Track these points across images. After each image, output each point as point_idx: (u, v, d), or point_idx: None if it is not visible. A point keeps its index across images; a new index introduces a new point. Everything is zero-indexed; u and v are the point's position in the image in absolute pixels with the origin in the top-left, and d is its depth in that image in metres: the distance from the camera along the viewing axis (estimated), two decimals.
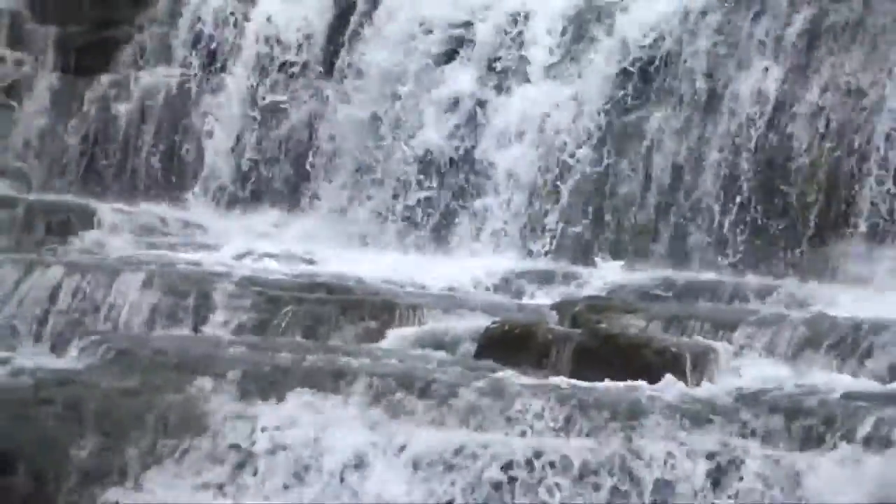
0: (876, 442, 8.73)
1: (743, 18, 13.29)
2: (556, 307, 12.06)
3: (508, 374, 10.40)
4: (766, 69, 12.72)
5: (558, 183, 14.60)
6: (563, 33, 15.14)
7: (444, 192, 15.71)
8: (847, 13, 11.42)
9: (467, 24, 16.00)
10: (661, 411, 9.44)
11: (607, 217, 14.22)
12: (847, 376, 10.33)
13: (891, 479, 8.51)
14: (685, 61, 13.75)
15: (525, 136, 15.03)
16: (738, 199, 13.29)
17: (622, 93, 14.39)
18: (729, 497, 8.87)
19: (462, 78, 15.82)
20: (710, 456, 9.02)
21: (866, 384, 10.10)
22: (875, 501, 8.44)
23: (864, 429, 8.88)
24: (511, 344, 11.25)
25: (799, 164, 12.94)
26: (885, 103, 10.81)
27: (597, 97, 14.58)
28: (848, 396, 9.58)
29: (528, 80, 15.34)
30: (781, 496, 8.80)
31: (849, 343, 10.63)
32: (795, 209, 13.01)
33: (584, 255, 14.19)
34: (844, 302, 11.86)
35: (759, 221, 13.24)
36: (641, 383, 10.02)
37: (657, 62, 14.24)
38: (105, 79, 18.06)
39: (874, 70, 10.71)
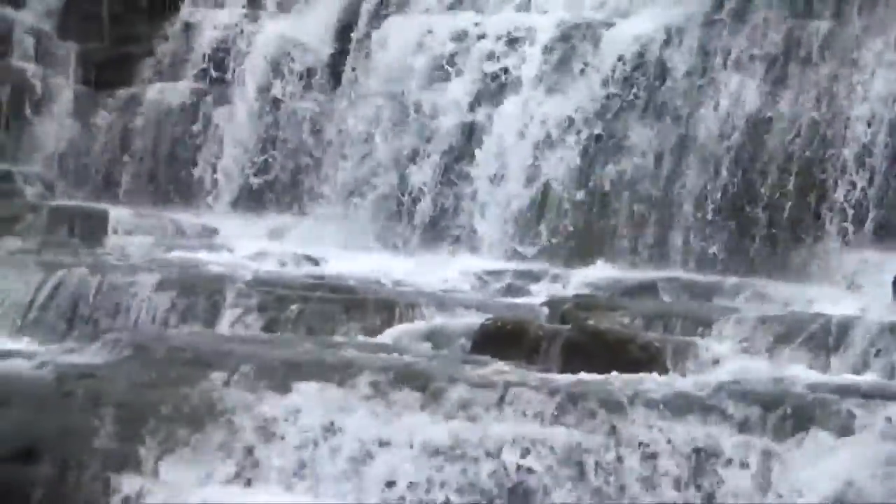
0: (846, 431, 8.77)
1: (719, 35, 13.30)
2: (547, 305, 12.06)
3: (502, 368, 10.42)
4: (742, 82, 12.74)
5: (548, 189, 14.61)
6: (553, 49, 15.15)
7: (442, 198, 15.73)
8: (818, 29, 11.42)
9: (463, 38, 16.01)
10: (644, 402, 9.46)
11: (593, 221, 14.23)
12: (819, 370, 10.36)
13: (860, 464, 8.56)
14: (666, 75, 13.77)
15: (516, 146, 15.06)
16: (716, 205, 13.31)
17: (608, 104, 14.40)
18: (709, 483, 8.92)
19: (457, 90, 15.82)
20: (691, 443, 9.06)
21: (837, 377, 10.14)
22: (846, 487, 8.48)
23: (836, 419, 8.92)
24: (504, 339, 11.27)
25: (773, 172, 12.95)
26: (853, 115, 10.84)
27: (584, 108, 14.59)
28: (819, 388, 9.62)
29: (519, 93, 15.35)
30: (759, 482, 8.84)
31: (820, 338, 10.64)
32: (769, 214, 13.02)
33: (572, 256, 14.20)
34: (816, 300, 11.89)
35: (736, 226, 13.26)
36: (626, 376, 10.04)
37: (640, 76, 14.25)
38: (124, 92, 18.07)
39: (843, 83, 10.73)
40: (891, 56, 12.30)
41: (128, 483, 10.04)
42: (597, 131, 14.32)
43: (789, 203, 13.05)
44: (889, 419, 8.74)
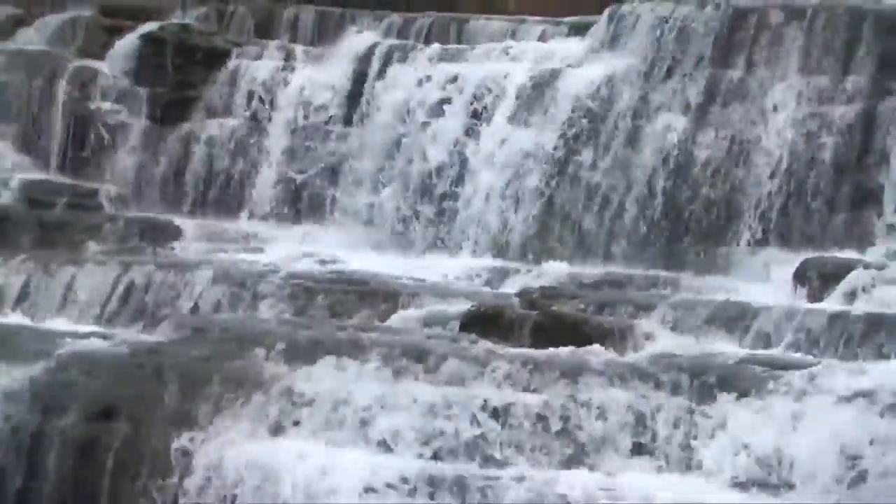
0: (756, 393, 8.79)
1: (655, 81, 13.29)
2: (519, 294, 12.03)
3: (484, 345, 10.41)
4: (672, 119, 12.72)
5: (520, 203, 14.61)
6: (524, 90, 15.16)
7: (437, 210, 15.75)
8: (733, 77, 11.42)
9: (453, 83, 16.02)
10: (595, 372, 9.46)
11: (556, 229, 14.23)
12: (736, 345, 10.35)
13: (766, 419, 8.58)
14: (613, 113, 13.77)
15: (493, 169, 15.07)
16: (653, 215, 13.29)
17: (567, 134, 14.37)
18: (647, 437, 8.93)
19: (448, 124, 15.83)
20: (633, 405, 9.07)
21: (749, 352, 10.14)
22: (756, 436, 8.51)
23: (748, 383, 8.94)
24: (486, 322, 11.23)
25: (698, 189, 12.94)
26: (761, 145, 10.86)
27: (548, 138, 14.58)
28: (735, 360, 9.64)
29: (497, 126, 15.36)
30: (686, 435, 8.86)
31: (736, 321, 10.64)
32: (696, 222, 13.00)
33: (539, 256, 14.19)
34: (733, 290, 11.87)
35: (669, 231, 13.23)
36: (581, 350, 10.04)
37: (592, 112, 14.24)
38: (183, 126, 18.04)
39: (753, 120, 10.73)
40: (789, 99, 12.31)
41: (186, 437, 10.03)
42: (557, 155, 14.32)
43: (712, 214, 13.03)
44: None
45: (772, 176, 12.50)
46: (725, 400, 8.92)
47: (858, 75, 12.35)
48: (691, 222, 12.96)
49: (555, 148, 14.40)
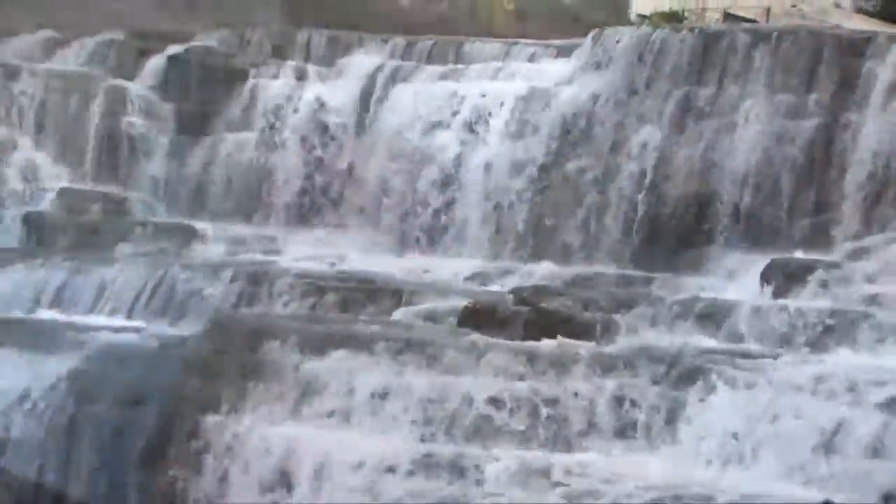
0: (726, 382, 8.82)
1: (635, 97, 13.32)
2: (512, 292, 12.05)
3: (480, 338, 10.41)
4: (652, 131, 12.74)
5: (513, 209, 14.64)
6: (516, 108, 15.18)
7: (437, 216, 15.79)
8: (706, 94, 11.45)
9: (451, 99, 16.06)
10: (581, 362, 9.48)
11: (545, 233, 14.26)
12: (708, 338, 10.37)
13: (737, 405, 8.61)
14: (597, 126, 13.80)
15: (488, 179, 15.10)
16: (633, 220, 13.30)
17: (555, 146, 14.39)
18: (627, 422, 8.96)
19: (447, 137, 15.86)
20: (614, 391, 9.10)
21: (720, 344, 10.16)
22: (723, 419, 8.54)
23: (719, 373, 8.96)
24: (481, 317, 11.24)
25: (674, 196, 12.96)
26: (731, 154, 10.89)
27: (538, 149, 14.60)
28: (708, 352, 9.66)
29: (492, 139, 15.41)
30: (665, 419, 8.89)
31: (709, 316, 10.65)
32: (672, 226, 13.02)
33: (530, 257, 14.21)
34: (706, 288, 11.87)
35: (648, 234, 13.25)
36: (568, 343, 10.06)
37: (578, 126, 14.27)
38: (207, 139, 18.07)
39: (724, 133, 10.76)
40: (758, 112, 12.33)
41: (210, 421, 10.05)
42: (546, 165, 14.34)
43: (686, 219, 13.04)
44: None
45: (741, 184, 12.53)
46: (699, 387, 8.96)
47: (820, 93, 12.38)
48: (668, 226, 12.97)
49: (544, 158, 14.44)
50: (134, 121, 18.04)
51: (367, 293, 12.83)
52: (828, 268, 10.77)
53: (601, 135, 13.50)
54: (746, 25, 12.97)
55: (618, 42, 14.27)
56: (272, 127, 17.92)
